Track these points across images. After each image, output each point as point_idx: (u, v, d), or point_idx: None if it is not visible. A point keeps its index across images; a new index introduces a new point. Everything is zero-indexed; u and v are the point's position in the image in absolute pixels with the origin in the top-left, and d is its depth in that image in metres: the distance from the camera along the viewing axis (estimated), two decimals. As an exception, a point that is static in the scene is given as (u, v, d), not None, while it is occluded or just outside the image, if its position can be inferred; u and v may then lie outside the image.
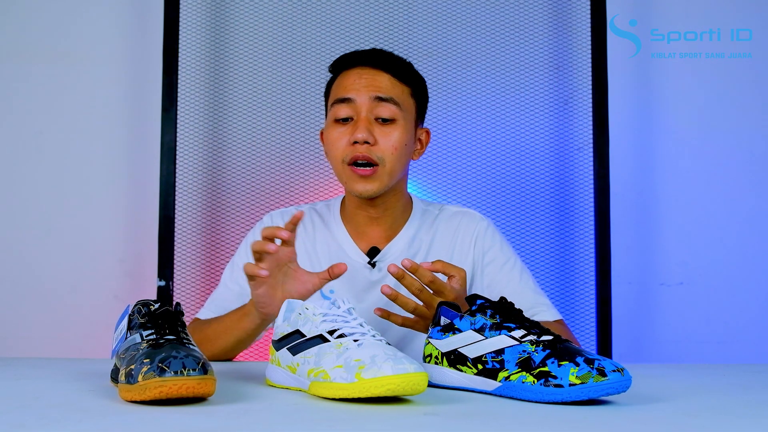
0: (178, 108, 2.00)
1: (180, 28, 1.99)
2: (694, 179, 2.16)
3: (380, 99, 1.39)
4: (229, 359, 1.39)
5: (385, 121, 1.39)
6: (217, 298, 1.47)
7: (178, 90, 1.99)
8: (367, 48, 1.51)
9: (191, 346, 0.89)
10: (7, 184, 2.12)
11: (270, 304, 1.22)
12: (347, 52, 1.49)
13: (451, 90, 2.06)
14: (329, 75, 1.50)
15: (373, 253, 1.47)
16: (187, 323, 1.43)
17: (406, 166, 1.45)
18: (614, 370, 0.85)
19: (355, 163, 1.38)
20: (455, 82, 2.07)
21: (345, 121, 1.40)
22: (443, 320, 1.03)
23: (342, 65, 1.46)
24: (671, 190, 2.15)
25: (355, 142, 1.37)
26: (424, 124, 1.53)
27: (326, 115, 1.50)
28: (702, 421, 0.79)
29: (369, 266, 1.46)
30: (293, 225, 1.21)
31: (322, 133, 1.52)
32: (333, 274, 1.23)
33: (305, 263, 1.48)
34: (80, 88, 2.13)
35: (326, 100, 1.50)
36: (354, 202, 1.47)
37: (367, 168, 1.38)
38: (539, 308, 1.43)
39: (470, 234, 1.50)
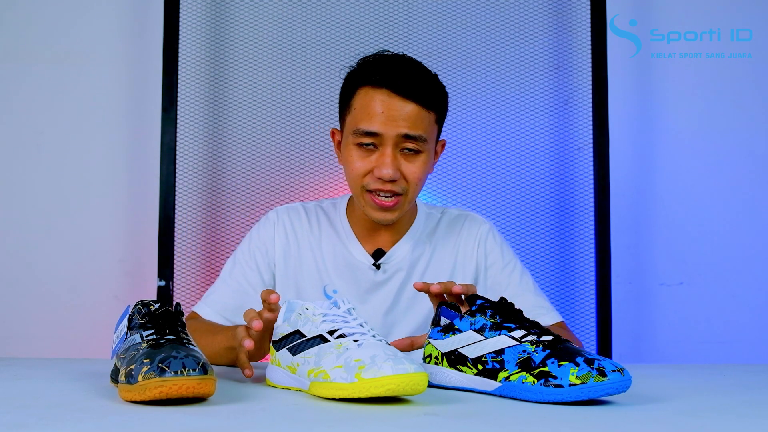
0: (178, 108, 2.00)
1: (180, 28, 1.99)
2: (694, 179, 2.16)
3: (409, 137, 1.33)
4: None
5: (410, 150, 1.35)
6: (215, 293, 1.46)
7: (178, 90, 1.98)
8: (360, 50, 1.44)
9: (191, 346, 0.89)
10: (7, 184, 2.12)
11: (256, 354, 1.16)
12: (365, 55, 1.40)
13: (451, 90, 2.04)
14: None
15: (377, 255, 1.47)
16: (190, 326, 1.43)
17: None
18: (614, 370, 0.85)
19: (376, 192, 1.36)
20: (455, 82, 2.07)
21: (367, 144, 1.35)
22: (443, 320, 1.03)
23: (366, 79, 1.36)
24: (671, 190, 2.15)
25: (380, 177, 1.34)
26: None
27: (341, 118, 1.44)
28: (702, 421, 0.79)
29: (374, 268, 1.46)
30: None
31: (333, 133, 1.49)
32: (270, 303, 1.11)
33: (310, 262, 1.48)
34: (80, 88, 2.13)
35: (343, 107, 1.42)
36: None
37: (389, 199, 1.36)
38: (539, 311, 1.43)
39: (473, 237, 1.50)
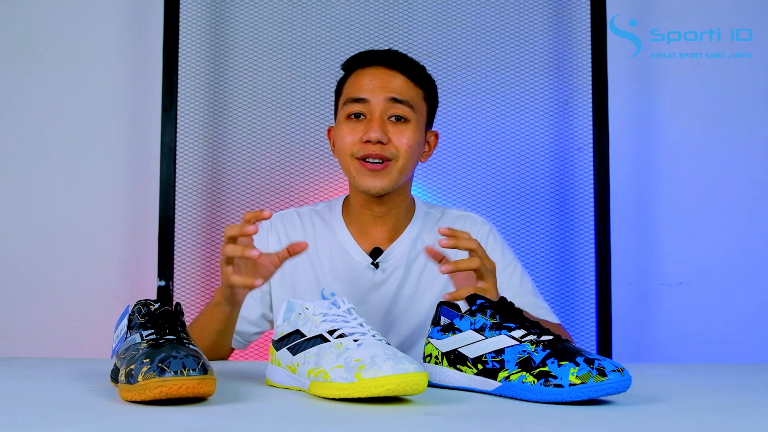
0: (178, 108, 2.00)
1: (180, 28, 1.99)
2: (694, 179, 2.16)
3: (395, 100, 1.38)
4: (223, 357, 1.39)
5: (399, 119, 1.38)
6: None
7: (178, 90, 1.99)
8: (377, 48, 1.50)
9: (191, 346, 0.89)
10: (8, 184, 2.12)
11: (239, 291, 1.23)
12: (358, 52, 1.47)
13: (451, 90, 2.06)
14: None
15: (375, 254, 1.47)
16: (187, 324, 1.44)
17: (415, 166, 1.44)
18: (614, 370, 0.85)
19: (366, 159, 1.38)
20: (455, 82, 2.07)
21: (357, 117, 1.39)
22: (443, 320, 1.03)
23: (356, 64, 1.44)
24: (671, 190, 2.15)
25: (368, 141, 1.36)
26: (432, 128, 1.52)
27: (335, 113, 1.49)
28: (702, 421, 0.79)
29: (372, 267, 1.46)
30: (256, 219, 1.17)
31: (329, 131, 1.51)
32: (293, 251, 1.22)
33: (306, 266, 1.47)
34: (80, 88, 2.13)
35: (337, 99, 1.48)
36: (359, 200, 1.46)
37: (378, 163, 1.37)
38: (539, 311, 1.44)
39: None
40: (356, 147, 1.38)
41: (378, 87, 1.38)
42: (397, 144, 1.38)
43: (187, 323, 1.31)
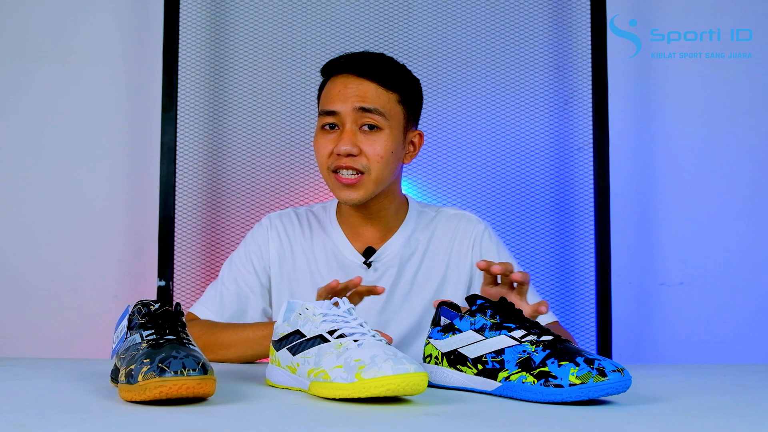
0: (178, 108, 2.00)
1: (180, 28, 1.99)
2: (694, 179, 2.16)
3: (364, 110, 1.37)
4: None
5: (371, 128, 1.38)
6: (213, 295, 1.47)
7: (178, 90, 1.99)
8: (359, 50, 1.48)
9: (191, 347, 0.89)
10: (8, 184, 2.12)
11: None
12: (340, 54, 1.47)
13: (451, 90, 2.06)
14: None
15: (368, 253, 1.47)
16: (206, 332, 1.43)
17: (394, 171, 1.44)
18: (614, 370, 0.85)
19: (339, 170, 1.38)
20: (455, 82, 2.07)
21: (332, 128, 1.40)
22: (443, 320, 1.03)
23: (331, 70, 1.44)
24: (671, 190, 2.15)
25: (339, 153, 1.37)
26: (419, 126, 1.52)
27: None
28: (702, 421, 0.79)
29: (365, 266, 1.46)
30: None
31: None
32: (351, 285, 1.23)
33: (303, 266, 1.49)
34: (80, 88, 2.13)
35: (318, 103, 1.48)
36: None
37: (351, 177, 1.38)
38: None
39: (468, 237, 1.50)
40: (330, 159, 1.39)
41: (347, 96, 1.37)
42: (369, 154, 1.37)
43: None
